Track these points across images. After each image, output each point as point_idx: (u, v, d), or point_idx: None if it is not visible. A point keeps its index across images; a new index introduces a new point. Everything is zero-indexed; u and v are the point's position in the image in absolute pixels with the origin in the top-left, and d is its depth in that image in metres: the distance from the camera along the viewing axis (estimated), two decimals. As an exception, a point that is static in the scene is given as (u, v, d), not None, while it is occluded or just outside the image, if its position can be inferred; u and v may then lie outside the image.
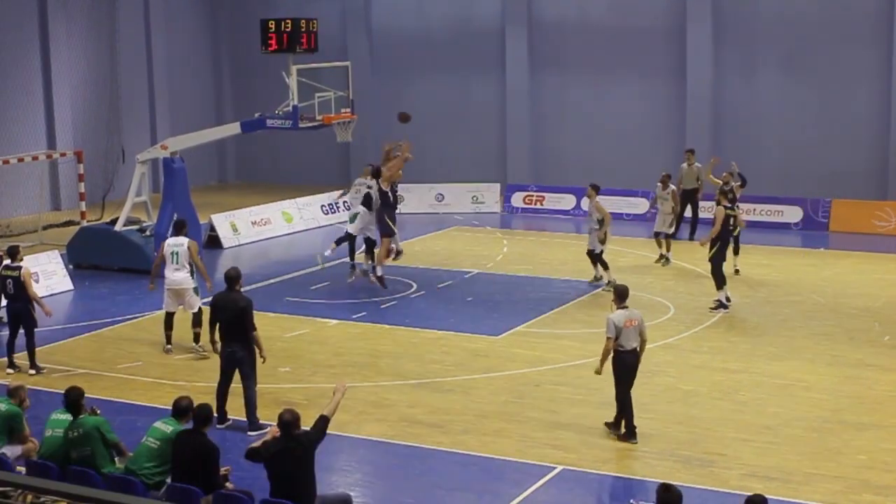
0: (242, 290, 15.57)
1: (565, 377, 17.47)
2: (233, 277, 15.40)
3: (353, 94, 25.25)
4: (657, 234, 25.60)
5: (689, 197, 28.34)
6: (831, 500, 12.84)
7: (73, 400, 12.01)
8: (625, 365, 14.66)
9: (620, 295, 14.84)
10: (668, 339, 19.24)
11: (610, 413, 15.19)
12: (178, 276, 18.58)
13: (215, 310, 15.54)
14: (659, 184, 25.77)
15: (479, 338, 19.68)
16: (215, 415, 13.70)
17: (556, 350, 18.90)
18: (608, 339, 14.58)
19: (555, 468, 13.79)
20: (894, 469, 13.72)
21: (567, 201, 33.01)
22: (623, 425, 14.79)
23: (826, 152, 32.22)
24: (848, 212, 30.22)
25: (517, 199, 33.56)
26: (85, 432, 11.74)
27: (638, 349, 14.74)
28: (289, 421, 11.05)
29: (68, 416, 12.11)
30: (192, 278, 18.67)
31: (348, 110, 24.65)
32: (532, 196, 33.62)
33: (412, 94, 37.35)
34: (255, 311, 15.30)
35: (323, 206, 31.98)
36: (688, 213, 28.26)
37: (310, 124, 24.23)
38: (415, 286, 23.36)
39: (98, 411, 12.23)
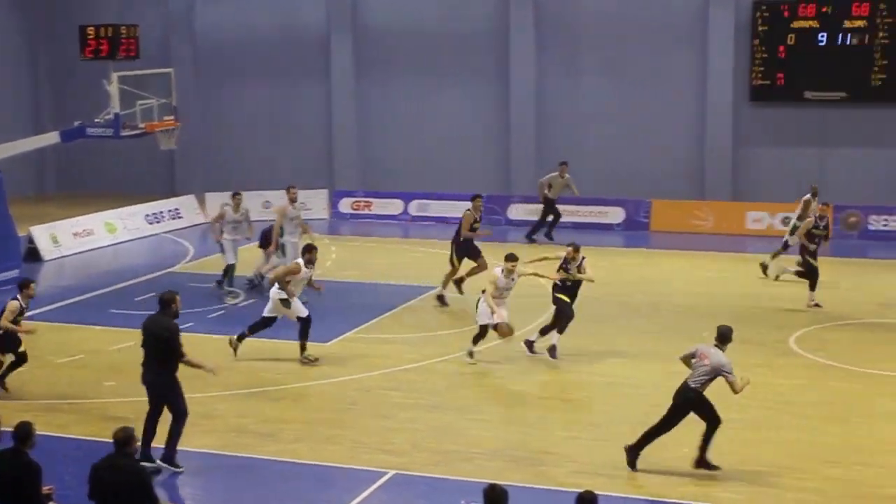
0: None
1: (396, 382, 17.51)
2: (166, 300, 13.92)
3: (177, 101, 24.92)
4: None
5: (553, 204, 29.36)
6: (656, 492, 13.18)
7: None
8: (677, 392, 13.84)
9: (720, 336, 13.86)
10: (498, 340, 19.42)
11: (442, 417, 15.25)
12: (272, 289, 18.75)
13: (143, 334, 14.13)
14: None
15: (310, 345, 19.52)
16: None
17: (387, 355, 18.93)
18: (684, 354, 14.13)
19: (387, 473, 13.80)
20: (716, 460, 14.12)
21: (395, 206, 33.12)
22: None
23: (646, 154, 33.07)
24: (667, 212, 31.08)
25: (345, 205, 33.52)
26: None
27: (693, 386, 13.56)
28: (121, 440, 10.77)
29: None
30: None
31: (172, 118, 24.31)
32: (360, 202, 33.63)
33: (238, 100, 37.03)
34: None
35: (147, 215, 31.37)
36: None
37: (132, 132, 23.79)
38: (242, 295, 23.13)
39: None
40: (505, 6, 33.85)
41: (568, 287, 18.64)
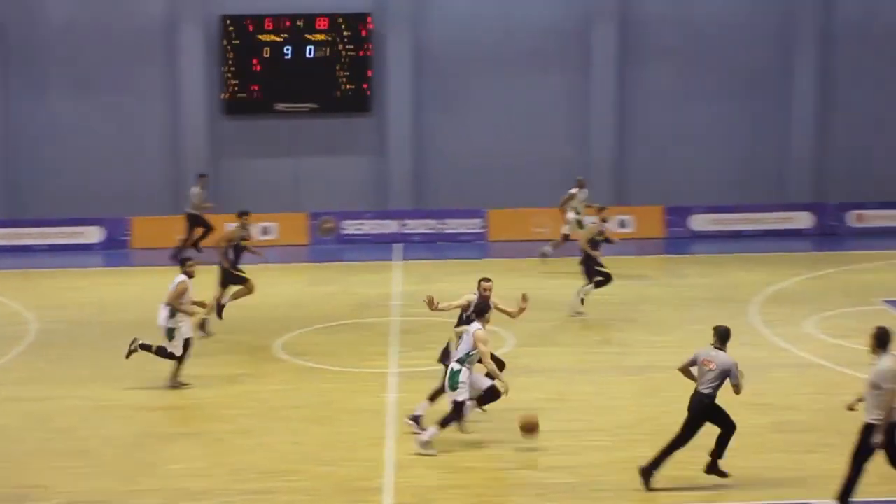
0: None
1: None
2: None
3: None
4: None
5: (197, 219, 28.47)
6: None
7: None
8: (689, 403, 13.31)
9: (720, 337, 13.29)
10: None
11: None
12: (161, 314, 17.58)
13: None
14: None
15: None
16: None
17: None
18: (683, 364, 13.51)
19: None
20: (207, 473, 14.18)
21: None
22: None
23: (123, 171, 32.49)
24: (149, 228, 30.89)
25: None
26: None
27: (706, 392, 13.08)
28: None
29: None
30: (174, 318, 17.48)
31: None
32: None
33: None
34: None
35: None
36: None
37: None
38: None
39: None
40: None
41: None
